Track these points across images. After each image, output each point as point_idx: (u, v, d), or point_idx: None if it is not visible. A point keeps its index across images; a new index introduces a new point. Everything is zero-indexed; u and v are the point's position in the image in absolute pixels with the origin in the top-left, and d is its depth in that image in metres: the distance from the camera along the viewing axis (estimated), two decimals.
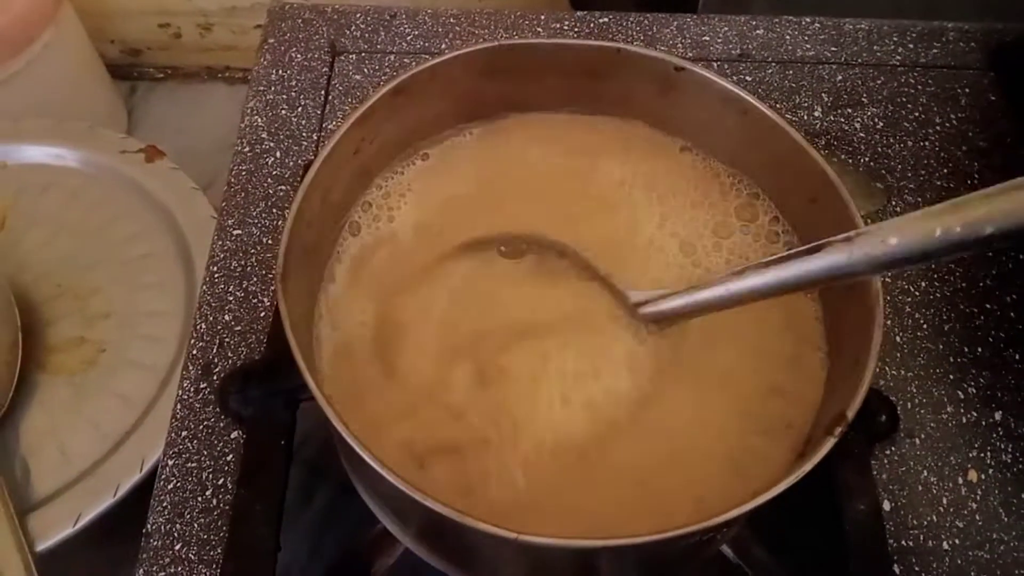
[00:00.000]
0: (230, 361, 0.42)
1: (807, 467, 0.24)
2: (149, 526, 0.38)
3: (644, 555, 0.25)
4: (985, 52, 0.53)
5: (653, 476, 0.28)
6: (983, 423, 0.41)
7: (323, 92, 0.51)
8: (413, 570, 0.34)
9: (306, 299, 0.31)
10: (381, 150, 0.32)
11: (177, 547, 0.37)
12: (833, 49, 0.53)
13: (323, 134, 0.49)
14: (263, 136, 0.49)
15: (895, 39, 0.54)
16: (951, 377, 0.42)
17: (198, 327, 0.43)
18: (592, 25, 0.54)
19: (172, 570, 0.37)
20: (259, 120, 0.50)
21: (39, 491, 0.48)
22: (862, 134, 0.50)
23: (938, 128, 0.50)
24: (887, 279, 0.45)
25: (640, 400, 0.29)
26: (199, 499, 0.39)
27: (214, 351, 0.43)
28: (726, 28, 0.54)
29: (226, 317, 0.44)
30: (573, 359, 0.30)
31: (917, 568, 0.38)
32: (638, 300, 0.30)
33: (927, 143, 0.50)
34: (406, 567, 0.34)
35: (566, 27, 0.54)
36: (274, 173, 0.48)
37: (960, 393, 0.42)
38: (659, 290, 0.29)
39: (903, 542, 0.38)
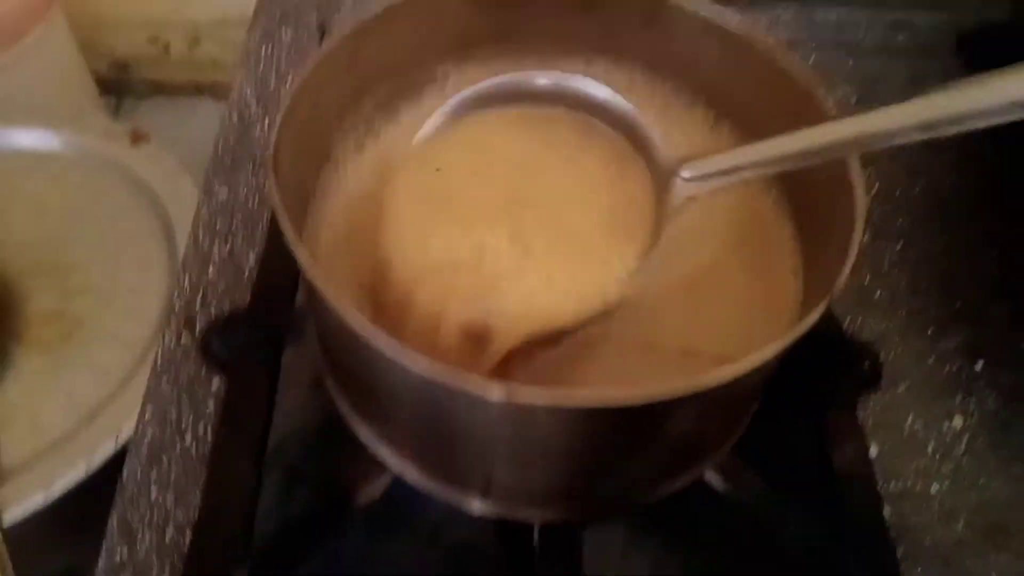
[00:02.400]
0: (213, 316, 0.42)
1: (803, 327, 0.24)
2: (124, 474, 0.37)
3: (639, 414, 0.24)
4: (952, 40, 0.55)
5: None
6: (965, 373, 0.42)
7: None
8: (399, 501, 0.33)
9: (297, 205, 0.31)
10: (375, 72, 0.33)
11: (153, 493, 0.36)
12: (804, 35, 0.55)
13: None
14: (251, 104, 0.49)
15: (865, 26, 0.56)
16: (932, 329, 0.43)
17: (182, 284, 0.43)
18: None
19: (148, 516, 0.36)
20: (248, 91, 0.50)
21: (8, 463, 0.46)
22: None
23: None
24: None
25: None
26: (178, 446, 0.37)
27: (197, 306, 0.42)
28: None
29: (210, 274, 0.43)
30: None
31: (907, 511, 0.37)
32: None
33: None
34: (392, 498, 0.33)
35: None
36: (261, 140, 0.48)
37: (942, 344, 0.42)
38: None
39: (892, 485, 0.38)
